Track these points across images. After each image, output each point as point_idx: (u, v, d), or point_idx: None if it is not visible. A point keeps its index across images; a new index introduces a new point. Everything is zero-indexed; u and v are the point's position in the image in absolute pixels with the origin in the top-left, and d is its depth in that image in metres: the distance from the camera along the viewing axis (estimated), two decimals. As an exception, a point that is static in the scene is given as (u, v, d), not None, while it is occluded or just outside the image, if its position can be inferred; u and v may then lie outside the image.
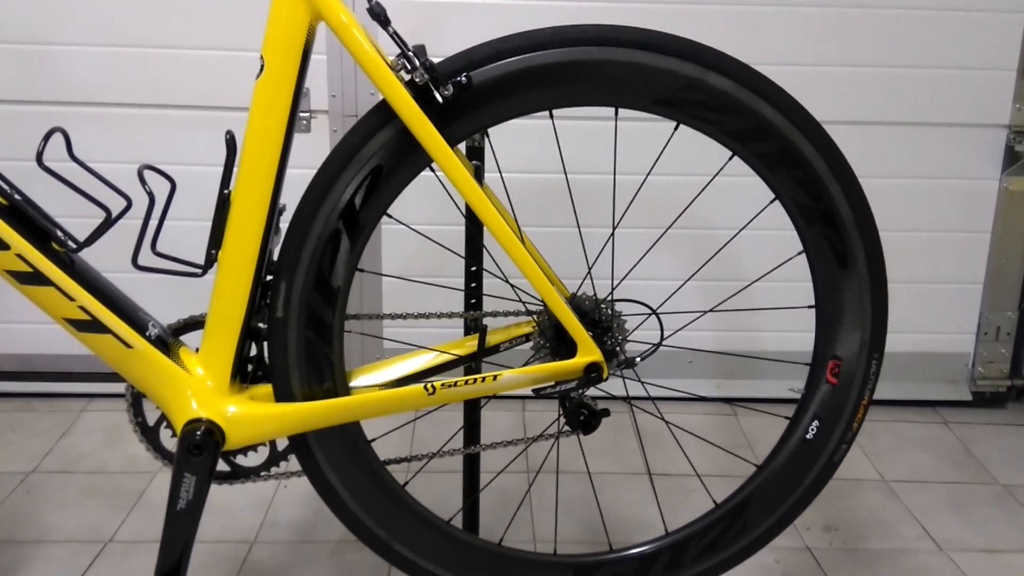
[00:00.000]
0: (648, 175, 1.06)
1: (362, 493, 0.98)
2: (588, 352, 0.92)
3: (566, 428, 1.00)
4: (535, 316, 0.99)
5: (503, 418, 1.65)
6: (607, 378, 0.94)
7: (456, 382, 0.92)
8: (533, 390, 0.94)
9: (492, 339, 1.01)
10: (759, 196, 0.97)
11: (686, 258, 1.63)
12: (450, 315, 1.03)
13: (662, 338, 1.01)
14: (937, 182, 1.67)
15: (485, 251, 1.05)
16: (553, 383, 0.93)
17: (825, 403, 0.99)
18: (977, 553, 1.29)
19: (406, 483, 1.01)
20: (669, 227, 1.14)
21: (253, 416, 0.92)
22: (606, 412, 1.00)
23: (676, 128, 0.91)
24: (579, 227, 1.05)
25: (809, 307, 0.98)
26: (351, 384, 0.97)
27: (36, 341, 1.64)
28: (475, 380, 0.91)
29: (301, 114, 1.55)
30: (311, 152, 0.91)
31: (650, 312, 1.01)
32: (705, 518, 1.04)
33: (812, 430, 1.00)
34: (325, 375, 0.93)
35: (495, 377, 0.92)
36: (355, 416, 0.94)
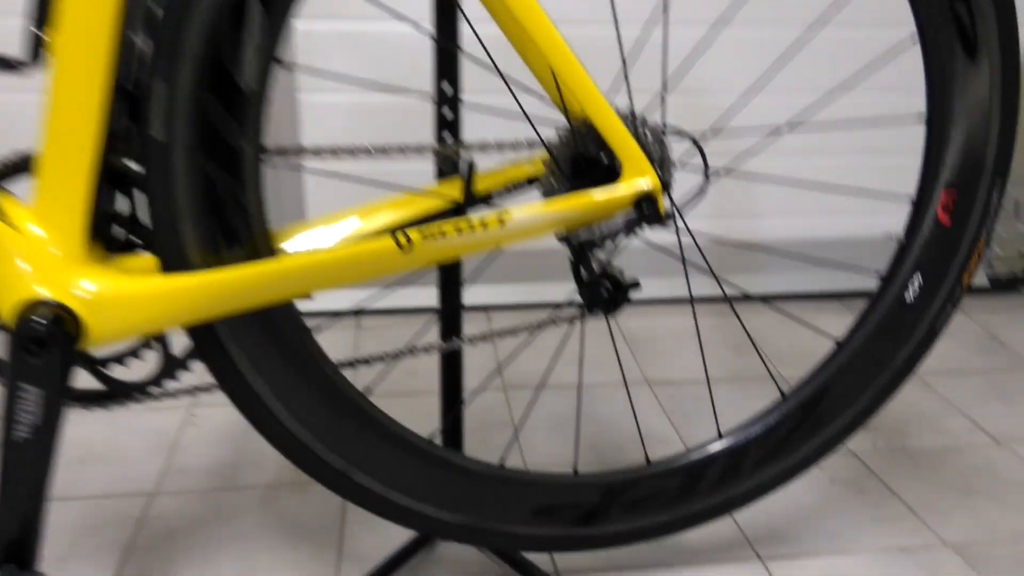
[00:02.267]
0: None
1: (305, 406, 0.67)
2: (638, 171, 0.63)
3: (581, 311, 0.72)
4: (555, 136, 0.69)
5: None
6: (664, 218, 0.65)
7: (443, 231, 0.61)
8: (560, 238, 0.64)
9: (480, 185, 0.71)
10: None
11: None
12: (418, 149, 0.71)
13: (706, 173, 0.74)
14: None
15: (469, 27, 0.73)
16: (589, 226, 0.63)
17: (930, 251, 0.74)
18: (1040, 443, 1.11)
19: (366, 389, 0.71)
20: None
21: (126, 295, 0.60)
22: (636, 284, 0.73)
23: None
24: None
25: (919, 114, 0.72)
26: (280, 248, 0.65)
27: None
28: (471, 227, 0.61)
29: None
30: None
31: (692, 142, 0.74)
32: (769, 415, 0.79)
33: (912, 288, 0.75)
34: (237, 229, 0.61)
35: (501, 221, 0.62)
36: (286, 291, 0.62)
